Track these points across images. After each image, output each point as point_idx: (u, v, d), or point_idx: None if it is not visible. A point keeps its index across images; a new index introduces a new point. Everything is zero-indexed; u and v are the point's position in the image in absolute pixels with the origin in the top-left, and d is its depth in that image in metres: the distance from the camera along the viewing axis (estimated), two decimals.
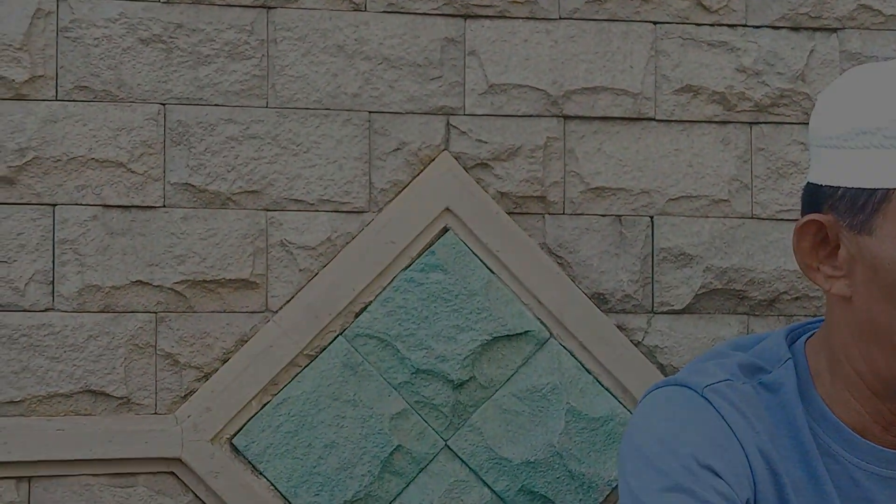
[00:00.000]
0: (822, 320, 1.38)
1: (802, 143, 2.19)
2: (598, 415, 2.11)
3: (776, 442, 1.33)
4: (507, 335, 2.11)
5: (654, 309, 2.16)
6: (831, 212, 1.26)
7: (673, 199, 2.18)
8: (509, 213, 2.14)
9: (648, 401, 1.39)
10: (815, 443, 1.33)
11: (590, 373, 2.13)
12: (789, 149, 2.20)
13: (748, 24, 2.20)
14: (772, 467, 1.32)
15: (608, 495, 2.11)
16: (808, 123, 2.18)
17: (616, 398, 2.13)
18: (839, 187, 1.25)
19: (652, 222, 2.17)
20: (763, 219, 2.19)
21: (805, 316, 2.19)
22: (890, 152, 1.19)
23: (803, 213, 1.31)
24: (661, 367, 2.15)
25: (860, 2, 2.22)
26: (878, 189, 1.21)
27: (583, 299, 2.14)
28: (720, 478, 1.27)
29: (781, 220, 2.19)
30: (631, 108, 2.17)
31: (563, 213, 2.15)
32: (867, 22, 2.23)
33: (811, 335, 1.42)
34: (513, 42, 2.15)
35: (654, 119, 2.18)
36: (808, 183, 1.31)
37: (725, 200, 2.18)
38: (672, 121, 2.18)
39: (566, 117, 2.16)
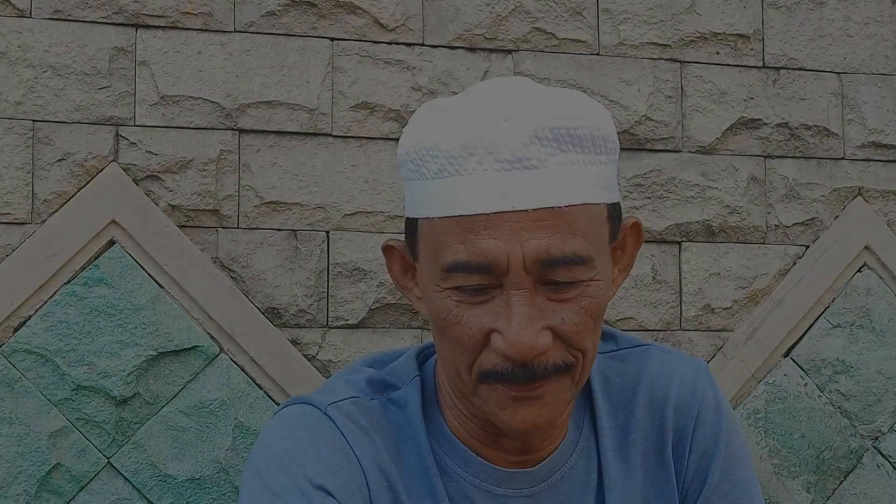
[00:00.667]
0: None
1: None
2: None
3: (398, 459, 1.34)
4: (175, 350, 2.08)
5: (329, 324, 2.17)
6: (408, 239, 1.30)
7: (349, 215, 2.19)
8: (181, 227, 2.11)
9: (274, 419, 1.39)
10: (435, 460, 1.35)
11: (260, 388, 2.11)
12: None
13: (425, 43, 2.23)
14: (391, 484, 1.33)
15: None
16: None
17: None
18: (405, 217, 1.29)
19: (328, 237, 2.18)
20: None
21: None
22: (409, 184, 1.23)
23: None
24: None
25: (534, 25, 2.28)
26: (411, 218, 1.25)
27: (255, 314, 2.13)
28: (332, 497, 1.27)
29: None
30: (307, 123, 2.18)
31: (238, 227, 2.14)
32: (541, 44, 2.29)
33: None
34: (186, 53, 2.13)
35: (330, 135, 2.19)
36: None
37: (401, 217, 2.20)
38: (349, 137, 2.20)
39: (241, 130, 2.15)
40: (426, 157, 1.18)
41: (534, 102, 1.20)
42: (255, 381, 2.11)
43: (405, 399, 1.38)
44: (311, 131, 2.18)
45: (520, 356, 1.19)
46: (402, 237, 1.31)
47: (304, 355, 2.15)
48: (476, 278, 1.18)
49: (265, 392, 2.12)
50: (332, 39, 2.20)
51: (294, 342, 2.15)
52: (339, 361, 2.16)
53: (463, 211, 1.16)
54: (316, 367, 2.15)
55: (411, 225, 1.27)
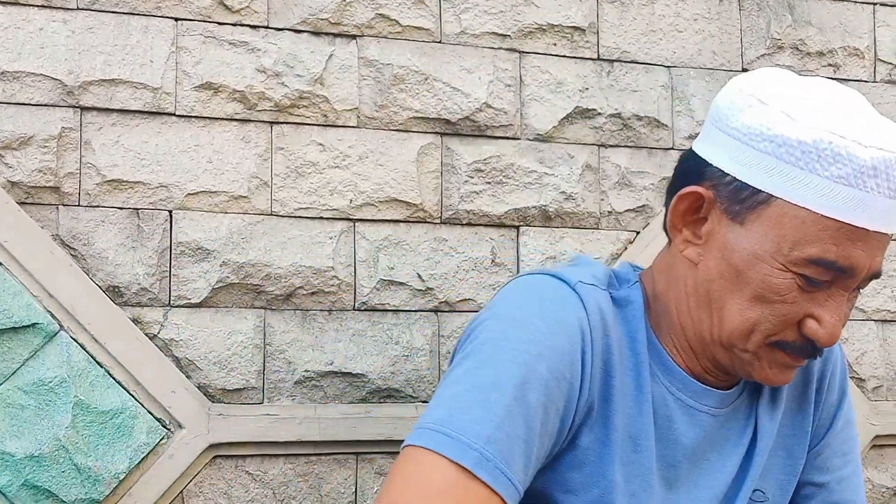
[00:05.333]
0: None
1: (321, 144, 2.27)
2: (108, 408, 2.10)
3: (620, 347, 1.51)
4: (14, 327, 2.06)
5: (172, 303, 2.18)
6: (713, 190, 1.45)
7: (192, 194, 2.20)
8: (21, 204, 2.09)
9: (522, 287, 1.52)
10: (649, 359, 1.53)
11: (101, 366, 2.11)
12: (308, 149, 2.28)
13: (270, 25, 2.26)
14: (608, 364, 1.48)
15: (115, 488, 2.09)
16: (325, 125, 2.27)
17: (128, 391, 2.12)
18: (729, 174, 1.42)
19: (170, 216, 2.19)
20: (281, 216, 2.25)
21: (321, 311, 2.26)
22: (787, 167, 1.36)
23: (676, 179, 1.51)
24: (177, 360, 2.17)
25: (378, 11, 2.33)
26: (763, 191, 1.39)
27: (97, 292, 2.12)
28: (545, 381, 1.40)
29: (299, 217, 2.26)
30: (150, 103, 2.18)
31: (79, 205, 2.13)
32: (384, 31, 2.34)
33: (644, 270, 1.64)
34: (27, 30, 2.11)
35: (173, 114, 2.20)
36: (695, 153, 1.49)
37: (245, 197, 2.23)
38: (192, 116, 2.21)
39: (83, 108, 2.14)
40: (832, 159, 1.33)
41: None
42: (95, 360, 2.11)
43: (627, 299, 1.55)
44: (155, 110, 2.19)
45: (829, 344, 1.41)
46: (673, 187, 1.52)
47: (146, 334, 2.16)
48: (829, 275, 1.38)
49: (105, 370, 2.11)
50: (176, 20, 2.21)
51: (135, 321, 2.15)
52: (181, 340, 2.17)
53: (854, 222, 1.35)
54: (157, 346, 2.16)
55: (744, 191, 1.40)
